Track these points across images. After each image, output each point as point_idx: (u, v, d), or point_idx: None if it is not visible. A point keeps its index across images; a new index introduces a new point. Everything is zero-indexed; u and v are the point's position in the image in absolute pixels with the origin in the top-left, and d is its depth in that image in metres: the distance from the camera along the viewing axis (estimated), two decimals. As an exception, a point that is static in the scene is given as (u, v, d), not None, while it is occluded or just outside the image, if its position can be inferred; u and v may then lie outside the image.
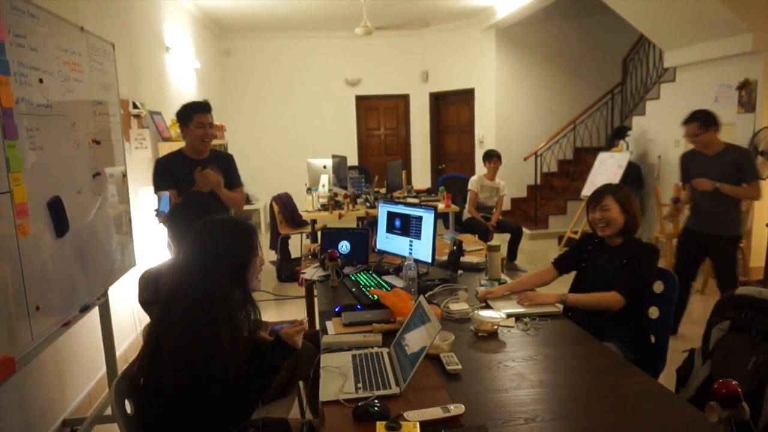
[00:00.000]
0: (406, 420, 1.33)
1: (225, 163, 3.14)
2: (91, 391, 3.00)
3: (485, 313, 2.01)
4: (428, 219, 2.66)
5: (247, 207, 7.80)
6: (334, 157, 6.31)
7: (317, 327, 2.58)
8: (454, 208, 5.39)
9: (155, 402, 1.44)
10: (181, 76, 5.74)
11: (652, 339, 2.22)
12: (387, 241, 2.94)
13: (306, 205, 5.71)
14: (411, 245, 2.77)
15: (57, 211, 2.04)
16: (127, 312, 3.60)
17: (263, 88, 8.51)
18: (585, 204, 6.53)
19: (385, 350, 1.80)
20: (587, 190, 6.61)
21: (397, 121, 9.25)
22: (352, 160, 8.62)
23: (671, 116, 6.20)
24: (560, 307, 2.22)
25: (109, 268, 2.65)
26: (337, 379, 1.61)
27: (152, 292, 1.96)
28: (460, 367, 1.66)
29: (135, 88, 4.17)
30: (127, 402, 1.51)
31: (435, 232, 2.65)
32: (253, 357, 1.55)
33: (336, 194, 5.57)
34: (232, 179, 3.14)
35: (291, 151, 8.46)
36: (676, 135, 6.07)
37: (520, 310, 2.16)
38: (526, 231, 6.86)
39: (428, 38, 8.66)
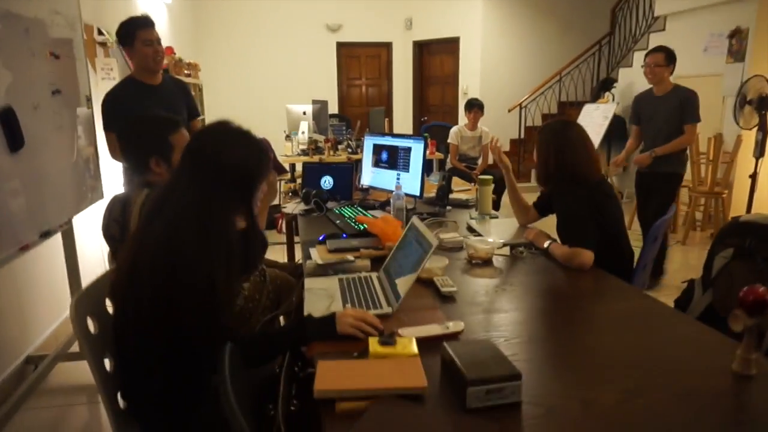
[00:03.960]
0: (401, 336, 1.22)
1: (183, 91, 2.94)
2: (57, 329, 2.84)
3: (480, 240, 1.90)
4: (417, 150, 2.52)
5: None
6: (314, 102, 6.06)
7: (298, 259, 2.44)
8: (438, 155, 5.24)
9: (130, 320, 1.29)
10: (150, 10, 5.37)
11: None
12: (373, 176, 2.80)
13: (285, 151, 5.50)
14: (399, 178, 2.62)
15: (9, 123, 1.83)
16: (95, 247, 3.41)
17: (239, 29, 8.09)
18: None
19: (374, 274, 1.68)
20: (571, 143, 6.53)
21: (379, 71, 8.95)
22: (333, 109, 8.35)
23: (659, 67, 6.10)
24: None
25: (73, 197, 2.45)
26: (323, 299, 1.49)
27: (104, 224, 1.78)
28: (455, 288, 1.55)
29: (99, 15, 3.85)
30: (89, 320, 1.36)
31: (424, 164, 2.52)
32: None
33: (316, 141, 5.36)
34: (193, 109, 2.99)
35: (269, 97, 8.12)
36: (664, 86, 5.99)
37: (515, 240, 2.06)
38: (508, 184, 6.77)
39: (413, -17, 8.31)
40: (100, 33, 3.68)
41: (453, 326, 1.27)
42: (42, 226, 2.09)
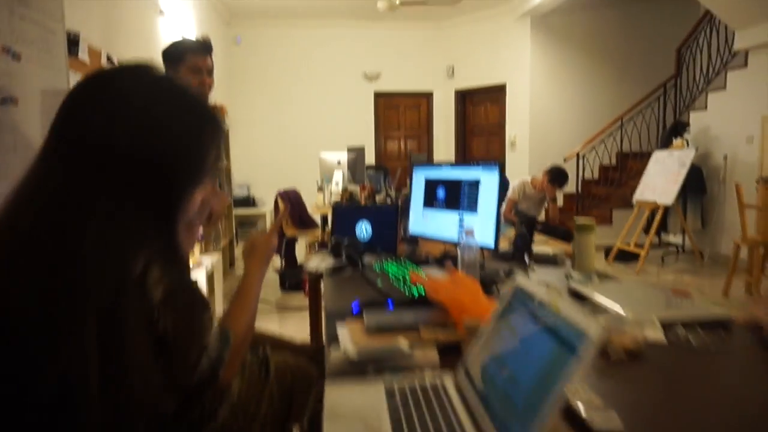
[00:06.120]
0: None
1: None
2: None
3: (616, 318, 1.15)
4: (490, 182, 1.82)
5: (251, 211, 7.02)
6: (349, 150, 5.50)
7: (323, 339, 1.72)
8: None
9: None
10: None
11: None
12: (424, 221, 2.10)
13: (317, 202, 4.94)
14: (462, 223, 1.92)
15: None
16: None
17: (273, 80, 7.76)
18: (638, 212, 5.64)
19: (449, 379, 0.94)
20: (641, 194, 5.73)
21: (419, 122, 8.44)
22: (370, 161, 7.83)
23: (741, 108, 5.33)
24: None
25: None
26: (358, 438, 0.76)
27: None
28: (619, 424, 0.80)
29: (113, 40, 3.42)
30: None
31: (500, 203, 1.81)
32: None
33: (351, 192, 4.75)
34: None
35: (302, 146, 7.66)
36: (749, 129, 5.20)
37: (674, 313, 1.28)
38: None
39: (455, 29, 7.90)
40: (109, 60, 3.22)
41: None
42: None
